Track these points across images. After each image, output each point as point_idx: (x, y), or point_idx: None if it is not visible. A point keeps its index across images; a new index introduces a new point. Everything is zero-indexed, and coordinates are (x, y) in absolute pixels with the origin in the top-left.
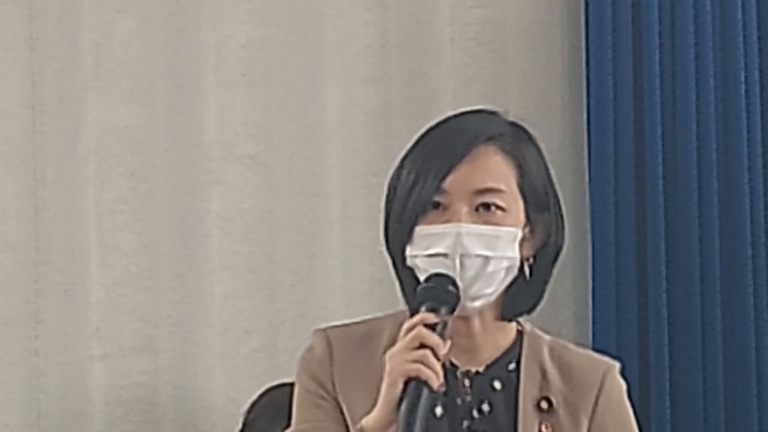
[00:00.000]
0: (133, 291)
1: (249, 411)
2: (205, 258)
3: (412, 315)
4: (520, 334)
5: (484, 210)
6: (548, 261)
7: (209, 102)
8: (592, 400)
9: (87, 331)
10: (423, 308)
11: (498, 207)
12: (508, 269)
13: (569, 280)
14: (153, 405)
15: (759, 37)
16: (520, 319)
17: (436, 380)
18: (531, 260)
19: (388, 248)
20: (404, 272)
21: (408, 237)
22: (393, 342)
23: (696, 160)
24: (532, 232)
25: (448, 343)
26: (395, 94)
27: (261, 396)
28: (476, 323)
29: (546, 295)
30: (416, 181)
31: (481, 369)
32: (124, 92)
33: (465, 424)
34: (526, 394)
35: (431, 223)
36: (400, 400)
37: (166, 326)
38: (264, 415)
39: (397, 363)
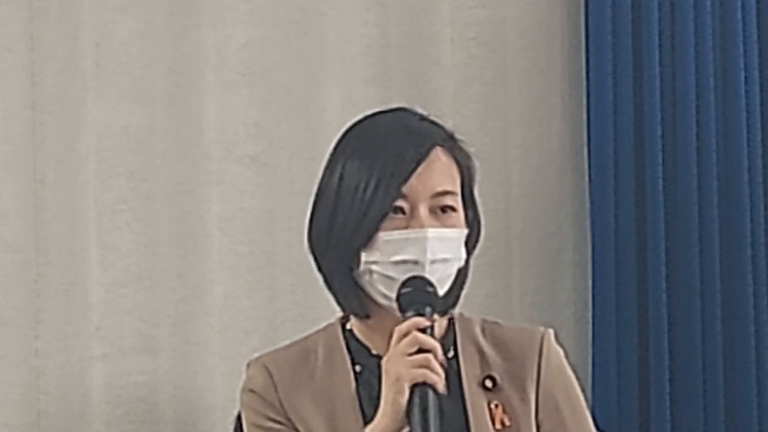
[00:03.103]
0: (133, 291)
1: (239, 417)
2: (205, 258)
3: (344, 317)
4: (450, 321)
5: (440, 212)
6: (468, 253)
7: (209, 102)
8: (535, 368)
9: (87, 331)
10: (409, 313)
11: (452, 209)
12: (457, 269)
13: (569, 280)
14: (153, 405)
15: (759, 37)
16: None
17: (441, 382)
18: None
19: (324, 252)
20: (344, 277)
21: (366, 242)
22: (329, 356)
23: (696, 160)
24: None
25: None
26: (395, 94)
27: None
28: None
29: (546, 295)
30: (378, 186)
31: None
32: (124, 92)
33: None
34: (469, 376)
35: (394, 228)
36: (409, 405)
37: (166, 326)
38: None
39: (401, 369)
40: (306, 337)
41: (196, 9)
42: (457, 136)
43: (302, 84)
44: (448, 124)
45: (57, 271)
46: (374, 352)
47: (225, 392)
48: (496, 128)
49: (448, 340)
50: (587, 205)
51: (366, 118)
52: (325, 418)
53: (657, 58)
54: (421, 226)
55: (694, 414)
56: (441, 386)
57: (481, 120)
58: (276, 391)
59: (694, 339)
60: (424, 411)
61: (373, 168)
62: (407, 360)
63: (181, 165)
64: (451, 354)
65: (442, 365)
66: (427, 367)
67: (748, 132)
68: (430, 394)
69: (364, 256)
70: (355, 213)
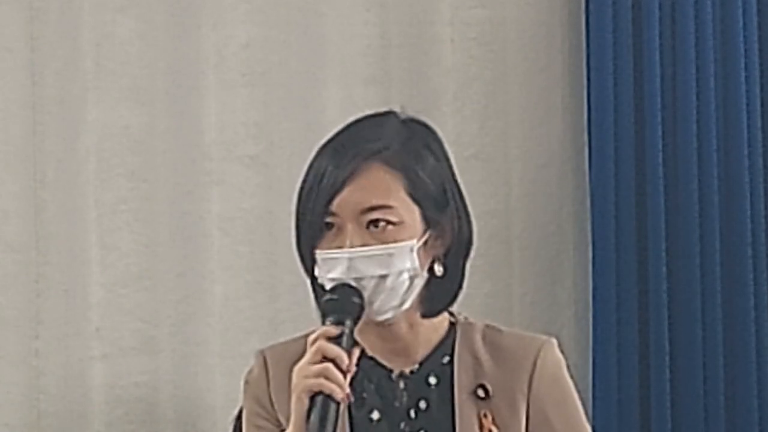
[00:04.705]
0: (133, 291)
1: (238, 417)
2: (205, 258)
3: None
4: (452, 326)
5: (374, 227)
6: (459, 255)
7: (209, 102)
8: (526, 379)
9: (87, 331)
10: (328, 320)
11: (389, 222)
12: (412, 278)
13: (569, 280)
14: (153, 405)
15: (759, 37)
16: (454, 310)
17: (340, 392)
18: (443, 258)
19: (303, 264)
20: (319, 288)
21: (312, 259)
22: None
23: (696, 160)
24: (440, 231)
25: (356, 351)
26: (395, 94)
27: None
28: (402, 326)
29: (546, 295)
30: (306, 204)
31: (415, 368)
32: (124, 92)
33: (402, 425)
34: (461, 384)
35: (327, 246)
36: (308, 414)
37: (166, 326)
38: None
39: (299, 379)
40: (312, 332)
41: (196, 9)
42: (415, 144)
43: (302, 84)
44: (448, 125)
45: (57, 271)
46: (369, 353)
47: (225, 392)
48: (496, 128)
49: (446, 345)
50: (588, 205)
51: (340, 129)
52: None
53: (657, 58)
54: (347, 247)
55: (695, 414)
56: (340, 395)
57: (481, 120)
58: (267, 386)
59: (694, 339)
60: (321, 420)
61: (306, 186)
62: (308, 369)
63: (181, 165)
64: (446, 360)
65: (345, 373)
66: (324, 376)
67: (748, 132)
68: (330, 403)
69: (316, 271)
70: (297, 231)
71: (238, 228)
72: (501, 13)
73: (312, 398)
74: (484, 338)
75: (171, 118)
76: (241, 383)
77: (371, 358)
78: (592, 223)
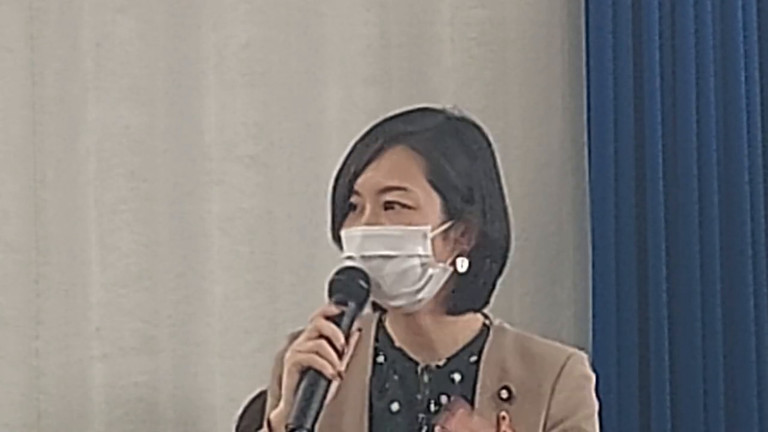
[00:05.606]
0: (133, 291)
1: (242, 417)
2: (205, 258)
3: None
4: (486, 328)
5: (390, 209)
6: (485, 255)
7: (209, 102)
8: (549, 389)
9: (87, 331)
10: (331, 300)
11: (403, 205)
12: (425, 266)
13: (569, 280)
14: (153, 405)
15: (759, 37)
16: (489, 313)
17: (330, 369)
18: (467, 255)
19: (337, 246)
20: None
21: (340, 239)
22: (357, 342)
23: (696, 160)
24: (466, 226)
25: (356, 335)
26: (395, 94)
27: (253, 400)
28: (426, 319)
29: (546, 295)
30: (336, 185)
31: (441, 363)
32: (124, 92)
33: (420, 417)
34: (485, 385)
35: (349, 225)
36: (296, 388)
37: (166, 326)
38: (258, 420)
39: (292, 353)
40: None
41: (196, 9)
42: (447, 138)
43: (302, 84)
44: None
45: (57, 271)
46: (397, 344)
47: (225, 392)
48: (496, 128)
49: (476, 345)
50: (587, 205)
51: (382, 119)
52: (330, 402)
53: (657, 58)
54: (363, 225)
55: (695, 414)
56: (329, 372)
57: (481, 120)
58: None
59: (694, 339)
60: (308, 395)
61: (340, 169)
62: (302, 345)
63: (181, 165)
64: (473, 359)
65: (340, 352)
66: (317, 352)
67: (748, 132)
68: (320, 380)
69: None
70: (332, 213)
71: (238, 228)
72: (501, 13)
73: (302, 373)
74: (515, 343)
75: (171, 118)
76: (241, 383)
77: (399, 349)
78: (592, 223)
